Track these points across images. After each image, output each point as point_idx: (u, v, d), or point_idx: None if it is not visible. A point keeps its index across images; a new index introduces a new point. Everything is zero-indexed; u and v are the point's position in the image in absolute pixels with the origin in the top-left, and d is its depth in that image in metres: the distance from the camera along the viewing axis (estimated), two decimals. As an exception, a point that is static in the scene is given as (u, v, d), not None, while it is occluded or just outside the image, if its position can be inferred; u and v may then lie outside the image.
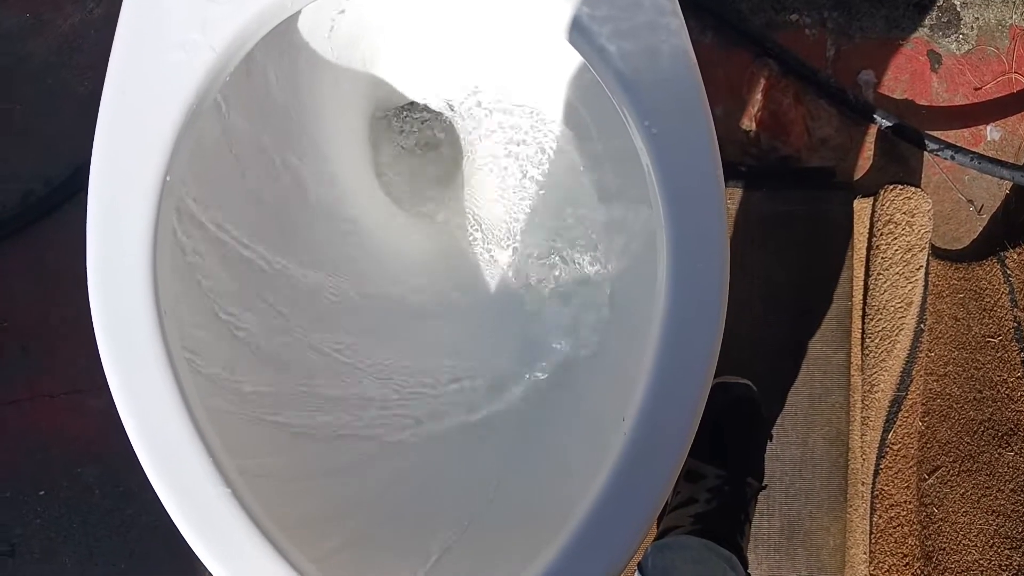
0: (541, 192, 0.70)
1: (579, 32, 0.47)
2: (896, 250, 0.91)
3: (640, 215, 0.59)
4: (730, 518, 0.84)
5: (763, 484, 0.90)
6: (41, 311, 1.00)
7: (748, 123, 1.00)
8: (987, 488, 0.87)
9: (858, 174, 1.00)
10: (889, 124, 0.97)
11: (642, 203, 0.58)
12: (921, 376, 0.93)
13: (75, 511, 0.99)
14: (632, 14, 0.47)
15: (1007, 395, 0.88)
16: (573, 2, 0.47)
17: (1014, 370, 0.88)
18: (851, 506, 0.92)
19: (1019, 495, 0.84)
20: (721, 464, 0.86)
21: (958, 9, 1.01)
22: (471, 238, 0.74)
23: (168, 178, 0.46)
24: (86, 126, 0.47)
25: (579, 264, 0.68)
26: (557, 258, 0.69)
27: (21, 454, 0.99)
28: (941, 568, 0.89)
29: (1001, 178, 0.96)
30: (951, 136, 0.99)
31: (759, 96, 1.00)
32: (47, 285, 1.00)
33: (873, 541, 0.91)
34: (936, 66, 1.00)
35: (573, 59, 0.59)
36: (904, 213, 0.91)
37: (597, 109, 0.62)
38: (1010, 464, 0.85)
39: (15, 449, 0.99)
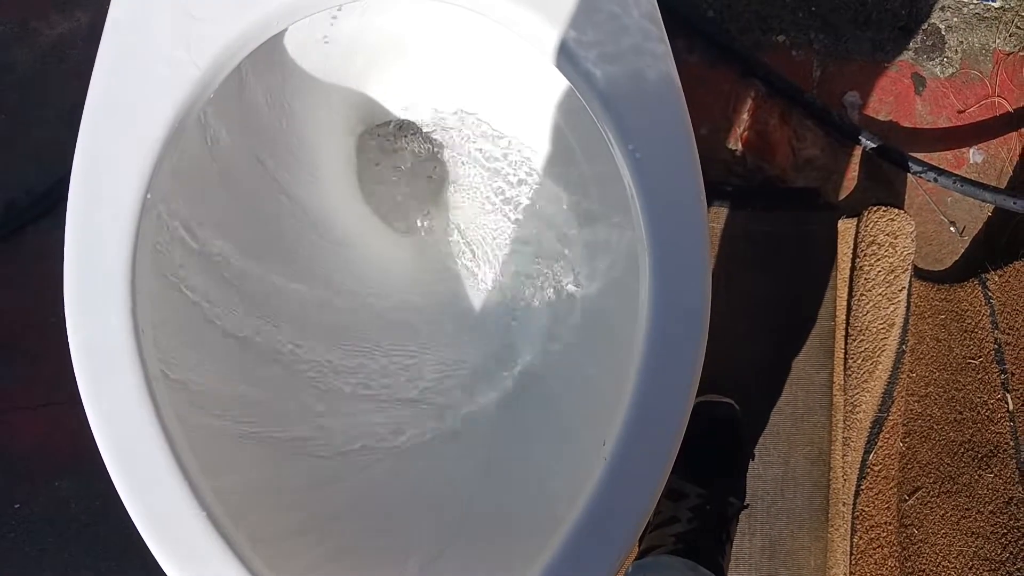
0: (525, 212, 0.70)
1: (565, 57, 0.47)
2: (879, 271, 0.92)
3: (623, 237, 0.59)
4: (711, 538, 0.83)
5: (745, 503, 0.90)
6: (21, 322, 0.99)
7: (734, 143, 1.01)
8: (967, 510, 0.87)
9: (842, 195, 1.01)
10: (873, 146, 0.98)
11: (626, 226, 0.59)
12: (903, 397, 0.93)
13: (51, 525, 0.98)
14: (618, 39, 0.47)
15: (987, 416, 0.88)
16: (560, 27, 0.47)
17: (994, 392, 0.89)
18: (832, 526, 0.93)
19: (998, 517, 0.84)
20: (703, 483, 0.86)
21: (943, 33, 1.02)
22: (455, 255, 0.74)
23: (149, 196, 0.46)
24: (70, 136, 0.47)
25: (560, 283, 0.68)
26: (539, 277, 0.70)
27: (-3, 466, 0.98)
28: (921, 589, 0.89)
29: (983, 201, 0.97)
30: (934, 158, 1.00)
31: (745, 116, 1.01)
32: (27, 296, 0.99)
33: (853, 562, 0.91)
34: (920, 89, 1.02)
35: (561, 83, 0.59)
36: (887, 234, 0.91)
37: (583, 133, 0.62)
38: (989, 486, 0.86)
39: (-9, 460, 0.98)
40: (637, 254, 0.48)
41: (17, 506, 0.98)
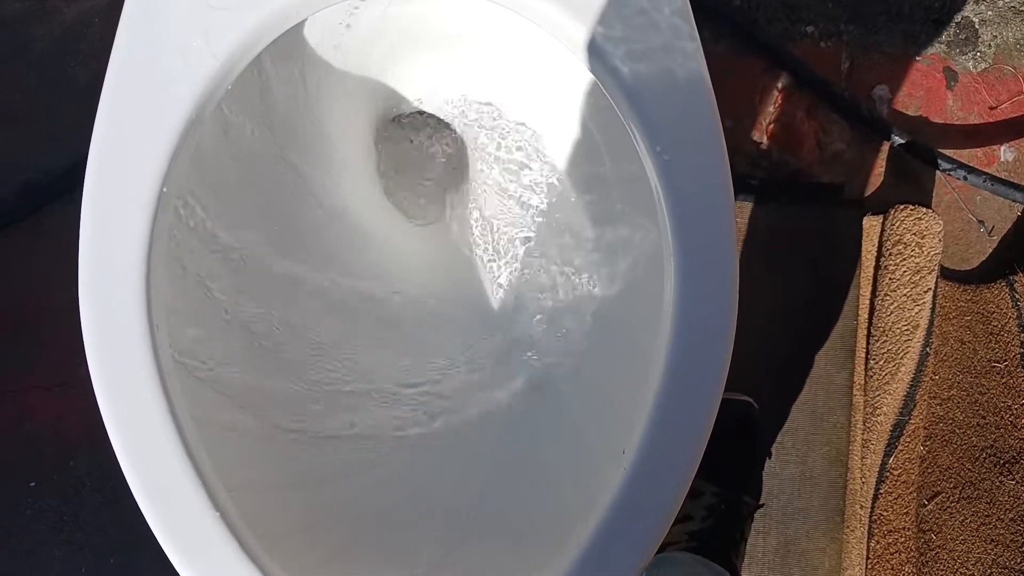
0: (546, 209, 0.69)
1: (592, 53, 0.46)
2: (904, 271, 0.90)
3: (646, 239, 0.58)
4: (725, 536, 0.83)
5: (760, 502, 0.89)
6: (36, 302, 0.99)
7: (759, 135, 0.99)
8: (987, 516, 0.86)
9: (869, 191, 0.99)
10: (902, 141, 0.96)
11: (648, 228, 0.57)
12: (925, 400, 0.92)
13: (65, 504, 0.98)
14: (647, 36, 0.46)
15: (1011, 422, 0.87)
16: (587, 22, 0.46)
17: (1019, 397, 0.87)
18: (848, 528, 0.92)
19: (1019, 524, 0.83)
20: (718, 481, 0.85)
21: (976, 26, 0.99)
22: (472, 250, 0.73)
23: (165, 188, 0.45)
24: (88, 116, 0.46)
25: (579, 283, 0.67)
26: (557, 276, 0.69)
27: (12, 445, 0.99)
28: (937, 593, 0.88)
29: (1014, 200, 0.95)
30: (964, 156, 0.98)
31: (771, 108, 0.99)
32: (43, 276, 0.99)
33: (870, 566, 0.90)
34: (952, 83, 0.99)
35: (587, 80, 0.57)
36: (914, 234, 0.89)
37: (609, 132, 0.61)
38: (1011, 493, 0.84)
39: (6, 440, 0.99)
40: (660, 256, 0.47)
41: (32, 485, 0.99)
